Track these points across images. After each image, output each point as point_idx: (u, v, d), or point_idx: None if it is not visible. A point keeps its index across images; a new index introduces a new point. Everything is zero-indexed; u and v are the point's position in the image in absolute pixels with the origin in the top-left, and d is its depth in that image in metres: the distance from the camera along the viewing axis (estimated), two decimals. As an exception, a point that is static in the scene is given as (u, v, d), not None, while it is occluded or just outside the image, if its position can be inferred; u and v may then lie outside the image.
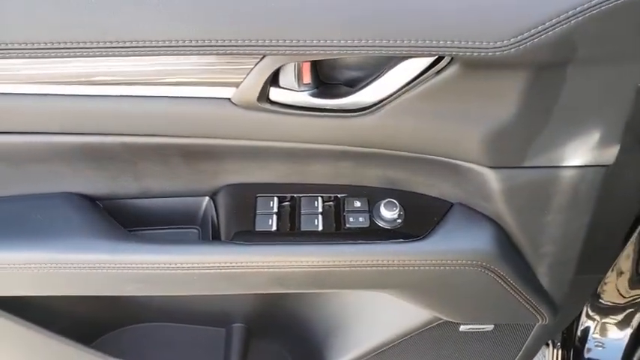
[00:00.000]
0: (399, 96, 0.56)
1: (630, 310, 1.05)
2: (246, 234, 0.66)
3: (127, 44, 0.50)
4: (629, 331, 1.03)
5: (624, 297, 1.06)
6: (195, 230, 0.74)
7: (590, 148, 0.59)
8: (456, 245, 0.66)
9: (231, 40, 0.50)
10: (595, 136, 0.58)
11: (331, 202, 0.70)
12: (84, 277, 0.66)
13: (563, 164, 0.60)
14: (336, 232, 0.67)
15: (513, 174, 0.61)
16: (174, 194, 0.71)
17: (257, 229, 0.67)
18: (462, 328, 0.81)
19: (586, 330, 1.07)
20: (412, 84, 0.55)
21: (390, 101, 0.57)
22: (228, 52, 0.51)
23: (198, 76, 0.57)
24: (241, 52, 0.51)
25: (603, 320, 1.06)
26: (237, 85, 0.56)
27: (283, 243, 0.66)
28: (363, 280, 0.69)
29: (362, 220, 0.67)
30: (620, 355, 1.02)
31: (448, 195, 0.68)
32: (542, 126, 0.58)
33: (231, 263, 0.65)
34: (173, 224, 0.73)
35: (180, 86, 0.57)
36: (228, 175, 0.69)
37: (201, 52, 0.51)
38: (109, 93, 0.57)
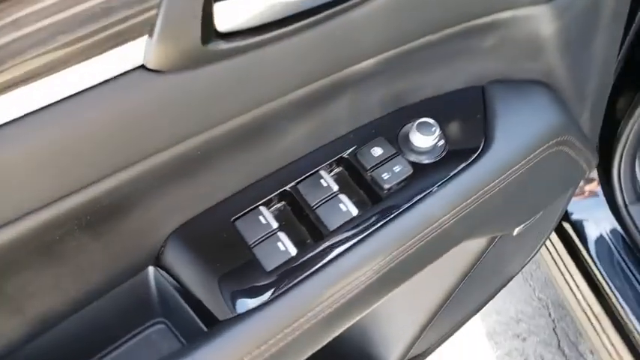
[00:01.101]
0: None
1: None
2: (252, 287, 0.39)
3: None
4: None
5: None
6: (162, 325, 0.43)
7: None
8: (523, 135, 0.47)
9: None
10: None
11: (340, 168, 0.44)
12: None
13: None
14: (378, 203, 0.42)
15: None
16: (94, 296, 0.39)
17: (268, 269, 0.39)
18: (516, 230, 0.63)
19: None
20: None
21: None
22: None
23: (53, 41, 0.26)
24: None
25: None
26: (148, 29, 0.28)
27: (322, 265, 0.39)
28: (443, 244, 0.46)
29: (399, 169, 0.44)
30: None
31: (477, 77, 0.48)
32: None
33: (266, 343, 0.37)
34: (122, 337, 0.42)
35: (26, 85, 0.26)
36: (170, 216, 0.40)
37: None
38: None
